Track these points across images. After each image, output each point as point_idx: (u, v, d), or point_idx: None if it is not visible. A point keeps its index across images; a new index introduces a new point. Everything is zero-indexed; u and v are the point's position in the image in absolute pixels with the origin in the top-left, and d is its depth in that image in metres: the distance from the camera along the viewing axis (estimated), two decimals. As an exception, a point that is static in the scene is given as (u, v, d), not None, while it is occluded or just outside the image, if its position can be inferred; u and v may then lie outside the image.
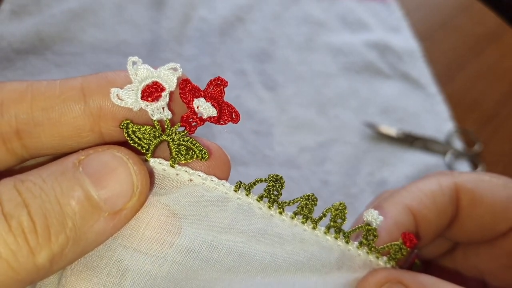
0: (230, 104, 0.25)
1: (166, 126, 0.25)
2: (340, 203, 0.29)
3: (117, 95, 0.23)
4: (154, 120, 0.24)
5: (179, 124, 0.25)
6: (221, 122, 0.25)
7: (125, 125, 0.24)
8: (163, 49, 0.70)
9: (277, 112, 0.66)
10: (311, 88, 0.70)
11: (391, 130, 0.65)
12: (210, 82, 0.25)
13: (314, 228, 0.28)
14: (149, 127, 0.24)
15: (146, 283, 0.24)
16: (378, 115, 0.68)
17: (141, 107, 0.23)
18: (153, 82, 0.24)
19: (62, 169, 0.21)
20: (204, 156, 0.25)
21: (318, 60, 0.74)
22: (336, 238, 0.29)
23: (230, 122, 0.25)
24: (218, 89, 0.25)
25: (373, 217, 0.29)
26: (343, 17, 0.81)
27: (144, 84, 0.23)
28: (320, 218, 0.28)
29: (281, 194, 0.27)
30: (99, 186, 0.22)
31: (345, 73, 0.73)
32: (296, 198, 0.27)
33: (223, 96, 0.25)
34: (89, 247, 0.22)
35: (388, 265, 0.30)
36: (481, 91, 0.75)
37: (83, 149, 0.23)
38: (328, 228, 0.29)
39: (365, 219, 0.30)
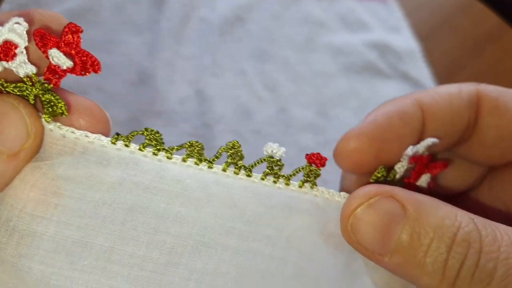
0: (89, 53, 0.25)
1: (33, 80, 0.25)
2: (234, 143, 0.28)
3: None
4: (24, 77, 0.24)
5: (42, 77, 0.25)
6: (82, 73, 0.25)
7: (0, 86, 0.24)
8: (163, 49, 0.70)
9: (277, 112, 0.66)
10: (311, 88, 0.70)
11: (391, 130, 0.65)
12: (65, 30, 0.24)
13: (210, 167, 0.27)
14: (21, 83, 0.25)
15: (32, 243, 0.24)
16: (378, 115, 0.68)
17: (5, 67, 0.24)
18: (3, 42, 0.23)
19: None
20: (63, 111, 0.25)
21: (318, 60, 0.74)
22: (236, 173, 0.27)
23: (93, 72, 0.25)
24: (73, 36, 0.24)
25: (273, 149, 0.28)
26: (343, 17, 0.81)
27: None
28: (216, 158, 0.27)
29: (162, 142, 0.26)
30: None
31: (345, 73, 0.73)
32: (183, 144, 0.27)
33: (80, 43, 0.24)
34: None
35: (306, 189, 0.28)
36: (481, 91, 0.74)
37: None
38: (227, 164, 0.27)
39: (265, 153, 0.28)
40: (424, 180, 0.31)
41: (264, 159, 0.28)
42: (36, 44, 0.24)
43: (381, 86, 0.72)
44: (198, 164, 0.27)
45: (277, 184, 0.28)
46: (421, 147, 0.29)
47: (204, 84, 0.67)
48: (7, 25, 0.23)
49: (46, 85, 0.25)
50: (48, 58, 0.24)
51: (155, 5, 0.76)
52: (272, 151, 0.28)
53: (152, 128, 0.26)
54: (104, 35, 0.70)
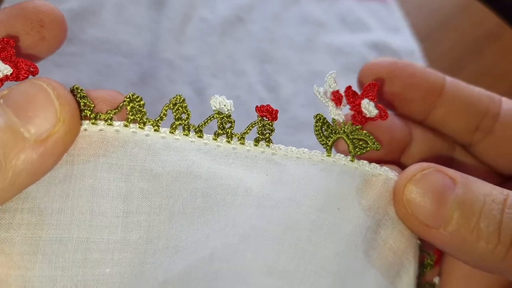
0: (24, 60, 0.25)
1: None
2: (176, 98, 0.26)
3: None
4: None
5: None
6: (20, 78, 0.25)
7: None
8: (163, 49, 0.70)
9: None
10: (311, 88, 0.70)
11: (391, 130, 0.65)
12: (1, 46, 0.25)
13: (156, 130, 0.26)
14: None
15: (3, 249, 0.24)
16: (378, 115, 0.68)
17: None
18: None
19: None
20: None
21: (318, 60, 0.74)
22: (186, 135, 0.26)
23: (31, 76, 0.25)
24: (7, 46, 0.25)
25: (220, 102, 0.27)
26: (343, 17, 0.81)
27: None
28: (161, 119, 0.27)
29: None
30: (20, 114, 0.22)
31: (345, 73, 0.73)
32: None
33: (13, 52, 0.25)
34: (21, 178, 0.22)
35: (253, 144, 0.27)
36: (481, 91, 0.74)
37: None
38: (174, 127, 0.26)
39: (213, 108, 0.27)
40: (367, 107, 0.29)
41: (214, 116, 0.27)
42: None
43: (381, 86, 0.72)
44: (142, 128, 0.26)
45: (231, 144, 0.27)
46: (326, 84, 0.30)
47: (204, 84, 0.67)
48: None
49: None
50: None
51: (155, 5, 0.76)
52: (219, 104, 0.26)
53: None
54: (104, 35, 0.70)
